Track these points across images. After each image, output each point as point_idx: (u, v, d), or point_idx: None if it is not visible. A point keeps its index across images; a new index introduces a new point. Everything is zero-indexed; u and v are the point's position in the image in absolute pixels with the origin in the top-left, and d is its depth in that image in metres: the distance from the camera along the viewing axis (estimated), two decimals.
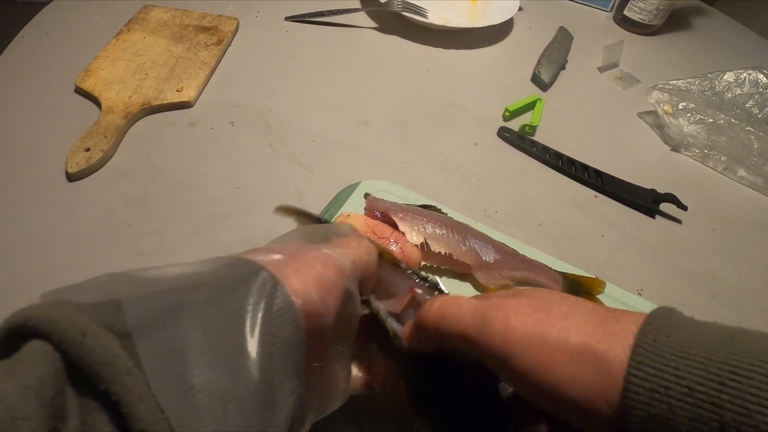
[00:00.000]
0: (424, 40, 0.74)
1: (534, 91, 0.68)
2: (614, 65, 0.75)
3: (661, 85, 0.64)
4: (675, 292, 0.47)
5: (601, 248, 0.50)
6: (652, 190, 0.55)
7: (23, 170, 0.48)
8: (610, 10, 0.88)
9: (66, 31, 0.65)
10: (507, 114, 0.62)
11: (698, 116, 0.61)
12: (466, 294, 0.36)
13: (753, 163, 0.59)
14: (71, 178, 0.47)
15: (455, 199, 0.52)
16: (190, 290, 0.19)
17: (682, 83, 0.64)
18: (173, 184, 0.49)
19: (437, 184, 0.53)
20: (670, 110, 0.61)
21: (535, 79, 0.69)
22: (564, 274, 0.44)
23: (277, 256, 0.22)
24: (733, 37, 0.89)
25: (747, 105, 0.64)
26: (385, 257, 0.29)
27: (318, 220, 0.34)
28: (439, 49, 0.73)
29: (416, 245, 0.41)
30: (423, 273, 0.31)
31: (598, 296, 0.43)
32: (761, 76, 0.65)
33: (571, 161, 0.57)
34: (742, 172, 0.60)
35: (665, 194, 0.54)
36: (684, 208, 0.53)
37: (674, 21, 0.86)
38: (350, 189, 0.49)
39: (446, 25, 0.74)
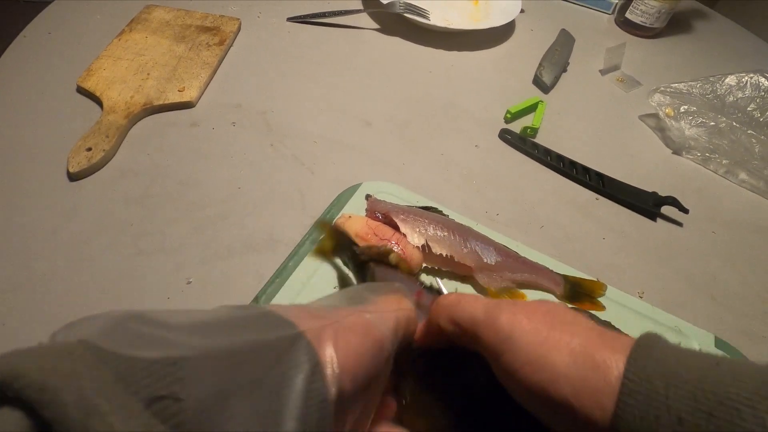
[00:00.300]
0: (425, 41, 0.74)
1: (535, 93, 0.68)
2: (616, 68, 0.75)
3: (662, 88, 0.64)
4: (676, 295, 0.47)
5: (603, 251, 0.50)
6: (654, 193, 0.55)
7: (25, 169, 0.48)
8: (612, 13, 0.88)
9: (68, 31, 0.65)
10: (508, 116, 0.62)
11: (700, 119, 0.61)
12: None
13: (754, 166, 0.59)
14: (73, 177, 0.48)
15: (456, 201, 0.52)
16: (237, 364, 0.17)
17: (684, 86, 0.64)
18: (174, 184, 0.49)
19: (438, 186, 0.53)
20: (672, 113, 0.61)
21: (537, 81, 0.69)
22: (565, 277, 0.44)
23: (316, 322, 0.21)
24: (735, 41, 0.89)
25: (748, 108, 0.64)
26: (392, 260, 0.30)
27: (351, 242, 0.34)
28: (441, 51, 0.73)
29: (417, 247, 0.41)
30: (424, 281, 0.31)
31: (599, 299, 0.43)
32: (763, 79, 0.65)
33: (573, 163, 0.57)
34: (743, 176, 0.60)
35: (666, 197, 0.54)
36: (685, 211, 0.53)
37: (676, 24, 0.86)
38: (351, 190, 0.49)
39: (448, 26, 0.74)
